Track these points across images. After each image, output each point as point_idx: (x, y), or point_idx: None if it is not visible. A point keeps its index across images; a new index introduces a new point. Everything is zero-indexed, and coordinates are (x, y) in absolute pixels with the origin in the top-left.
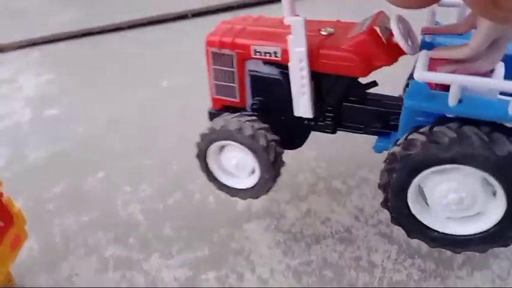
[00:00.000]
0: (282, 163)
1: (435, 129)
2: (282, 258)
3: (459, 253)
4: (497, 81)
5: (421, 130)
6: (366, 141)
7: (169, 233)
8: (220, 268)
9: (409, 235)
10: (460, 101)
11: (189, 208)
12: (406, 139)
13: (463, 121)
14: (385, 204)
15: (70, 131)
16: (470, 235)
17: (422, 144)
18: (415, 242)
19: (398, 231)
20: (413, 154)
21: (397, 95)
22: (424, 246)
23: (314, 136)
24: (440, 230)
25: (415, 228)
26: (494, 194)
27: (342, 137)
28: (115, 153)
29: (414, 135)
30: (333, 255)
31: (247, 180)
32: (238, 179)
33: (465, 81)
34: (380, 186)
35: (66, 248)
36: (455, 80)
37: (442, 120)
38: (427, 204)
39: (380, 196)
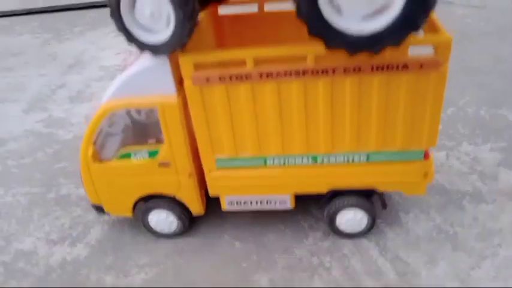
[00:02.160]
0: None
1: None
2: None
3: (377, 52)
4: None
5: None
6: None
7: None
8: None
9: (327, 45)
10: None
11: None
12: None
13: None
14: (300, 14)
15: None
16: (383, 28)
17: None
18: None
19: None
20: None
21: None
22: None
23: None
24: (356, 33)
25: (331, 35)
26: None
27: None
28: None
29: None
30: None
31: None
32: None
33: None
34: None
35: None
36: None
37: None
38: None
39: None
